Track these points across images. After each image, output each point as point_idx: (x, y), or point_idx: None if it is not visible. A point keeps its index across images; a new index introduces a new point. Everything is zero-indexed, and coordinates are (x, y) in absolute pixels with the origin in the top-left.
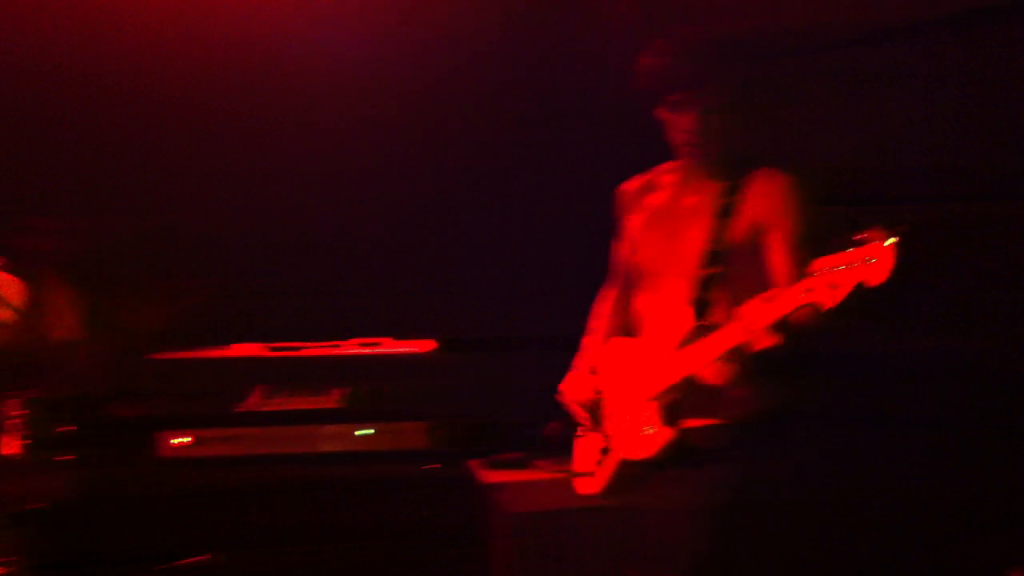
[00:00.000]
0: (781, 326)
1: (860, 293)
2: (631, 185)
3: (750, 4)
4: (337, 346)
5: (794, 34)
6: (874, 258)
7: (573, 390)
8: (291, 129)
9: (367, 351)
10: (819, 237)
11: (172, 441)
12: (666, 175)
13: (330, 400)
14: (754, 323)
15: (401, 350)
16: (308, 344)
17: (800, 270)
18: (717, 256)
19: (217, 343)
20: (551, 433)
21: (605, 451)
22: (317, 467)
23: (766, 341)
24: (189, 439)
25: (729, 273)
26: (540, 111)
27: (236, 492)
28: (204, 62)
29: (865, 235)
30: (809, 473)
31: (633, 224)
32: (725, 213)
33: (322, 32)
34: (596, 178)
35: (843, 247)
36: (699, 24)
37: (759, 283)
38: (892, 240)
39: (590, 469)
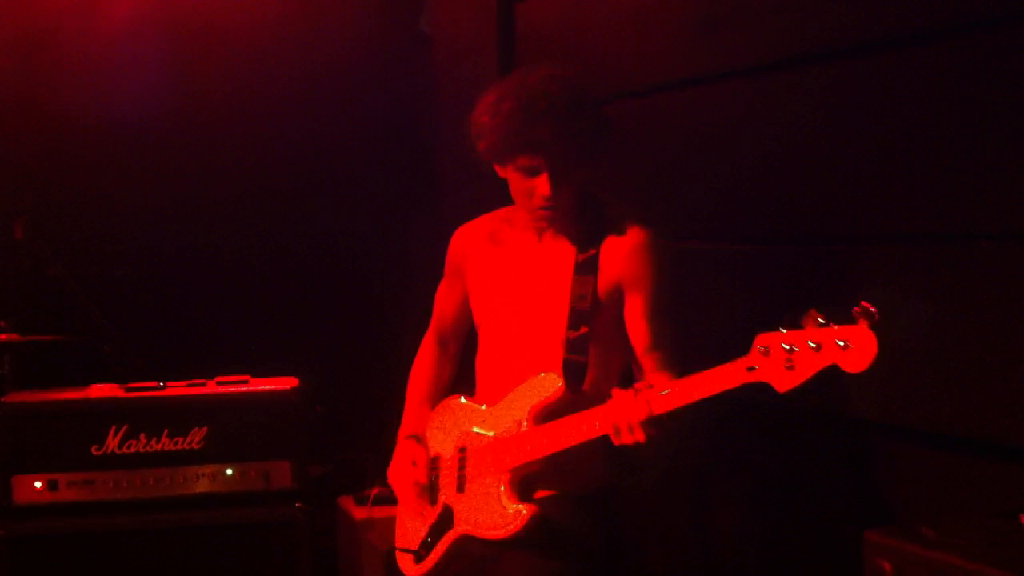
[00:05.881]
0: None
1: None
2: (469, 229)
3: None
4: (199, 385)
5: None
6: (850, 343)
7: (405, 471)
8: (135, 165)
9: (230, 390)
10: (681, 302)
11: (29, 485)
12: (511, 221)
13: (192, 441)
14: (669, 403)
15: (265, 388)
16: (168, 383)
17: (659, 337)
18: (582, 316)
19: (74, 384)
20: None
21: (437, 526)
22: (178, 509)
23: (639, 435)
24: (45, 484)
25: (594, 333)
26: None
27: (95, 536)
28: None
29: (836, 311)
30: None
31: (476, 274)
32: (587, 269)
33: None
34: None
35: (806, 320)
36: (540, 75)
37: (626, 343)
38: (873, 322)
39: (415, 547)
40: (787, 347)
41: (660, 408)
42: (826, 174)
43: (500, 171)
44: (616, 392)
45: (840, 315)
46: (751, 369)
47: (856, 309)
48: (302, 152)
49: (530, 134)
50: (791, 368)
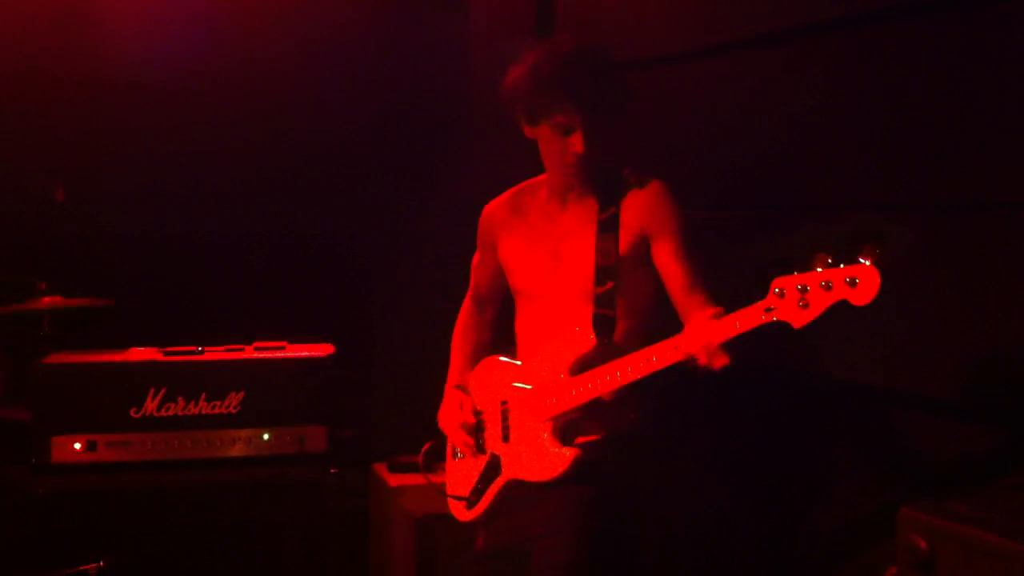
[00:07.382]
0: (732, 345)
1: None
2: (497, 205)
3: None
4: (236, 350)
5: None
6: (857, 279)
7: (453, 415)
8: (178, 128)
9: (267, 355)
10: (702, 243)
11: (68, 446)
12: (535, 192)
13: (229, 405)
14: (706, 342)
15: (302, 354)
16: (206, 348)
17: (695, 277)
18: (607, 271)
19: (114, 347)
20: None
21: (486, 474)
22: (214, 472)
23: (717, 361)
24: (84, 444)
25: (620, 287)
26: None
27: (132, 498)
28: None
29: (842, 251)
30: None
31: (506, 246)
32: (608, 227)
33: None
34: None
35: (815, 263)
36: (574, 43)
37: (651, 294)
38: (876, 259)
39: (467, 494)
40: (800, 287)
41: (735, 331)
42: (832, 143)
43: (530, 132)
44: (695, 319)
45: (845, 256)
46: (769, 310)
47: (861, 251)
48: (340, 118)
49: (568, 92)
50: (805, 307)
